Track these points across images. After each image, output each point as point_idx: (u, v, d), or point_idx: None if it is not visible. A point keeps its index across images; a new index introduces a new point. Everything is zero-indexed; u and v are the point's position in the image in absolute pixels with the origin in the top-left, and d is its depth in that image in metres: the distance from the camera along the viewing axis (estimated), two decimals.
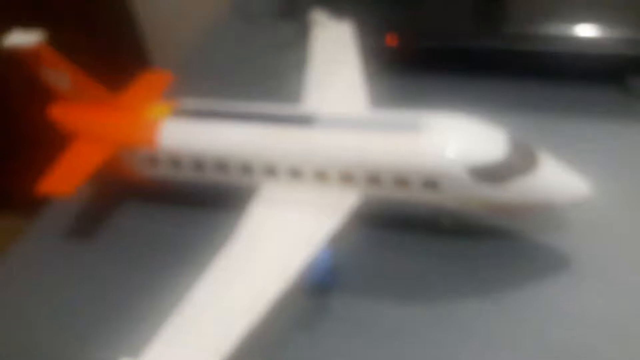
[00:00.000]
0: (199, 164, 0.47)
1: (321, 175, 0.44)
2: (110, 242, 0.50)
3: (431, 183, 0.41)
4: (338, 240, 0.43)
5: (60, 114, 0.51)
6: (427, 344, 0.39)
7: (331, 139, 0.44)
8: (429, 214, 0.45)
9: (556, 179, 0.41)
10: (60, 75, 0.49)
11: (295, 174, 0.45)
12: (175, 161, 0.47)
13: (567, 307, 0.40)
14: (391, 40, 0.62)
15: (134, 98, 0.52)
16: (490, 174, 0.40)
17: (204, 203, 0.51)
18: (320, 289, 0.42)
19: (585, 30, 0.57)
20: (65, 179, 0.47)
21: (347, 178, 0.44)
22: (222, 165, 0.46)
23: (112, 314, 0.44)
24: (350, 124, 0.44)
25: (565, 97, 0.59)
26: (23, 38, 0.46)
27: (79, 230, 0.51)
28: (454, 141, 0.41)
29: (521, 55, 0.59)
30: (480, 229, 0.46)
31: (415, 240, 0.46)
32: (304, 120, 0.45)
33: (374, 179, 0.43)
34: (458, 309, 0.41)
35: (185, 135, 0.47)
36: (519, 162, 0.40)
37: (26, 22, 0.48)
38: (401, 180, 0.42)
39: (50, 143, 0.49)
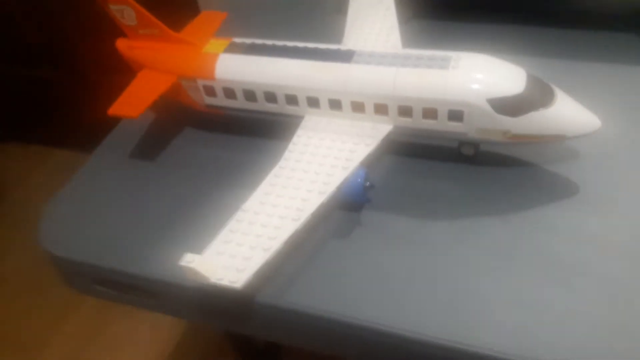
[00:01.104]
0: (250, 94, 0.53)
1: (358, 107, 0.50)
2: (172, 163, 0.57)
3: (456, 114, 0.47)
4: (371, 164, 0.49)
5: (128, 47, 0.57)
6: (444, 253, 0.46)
7: (367, 73, 0.49)
8: (453, 143, 0.51)
9: (570, 114, 0.45)
10: (126, 11, 0.55)
11: (335, 105, 0.51)
12: (230, 91, 0.54)
13: (569, 227, 0.46)
14: None
15: (193, 34, 0.58)
16: (509, 106, 0.45)
17: (256, 131, 0.58)
18: (354, 205, 0.49)
19: None
20: (133, 103, 0.54)
21: (381, 110, 0.49)
22: (270, 96, 0.52)
23: (177, 222, 0.51)
24: (385, 60, 0.49)
25: (585, 42, 0.62)
26: None
27: (143, 151, 0.59)
28: (477, 77, 0.46)
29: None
30: (497, 158, 0.52)
31: (439, 166, 0.52)
32: (344, 57, 0.50)
33: (405, 110, 0.48)
34: (472, 225, 0.47)
35: (239, 68, 0.53)
36: (537, 97, 0.45)
37: None
38: (429, 112, 0.48)
39: (118, 75, 0.56)
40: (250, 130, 0.58)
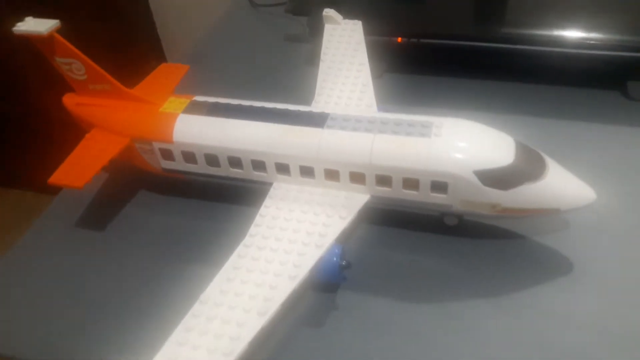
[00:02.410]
0: (212, 158, 0.48)
1: (331, 175, 0.45)
2: (122, 234, 0.51)
3: (439, 186, 0.43)
4: (347, 238, 0.44)
5: (76, 104, 0.52)
6: (428, 341, 0.41)
7: (342, 140, 0.45)
8: (434, 213, 0.47)
9: (563, 186, 0.42)
10: (74, 65, 0.49)
11: (307, 173, 0.46)
12: (190, 155, 0.48)
13: (564, 310, 0.42)
14: (401, 39, 0.62)
15: (150, 90, 0.53)
16: (498, 178, 0.41)
17: (218, 196, 0.52)
18: (329, 285, 0.44)
19: (586, 33, 0.58)
20: (78, 170, 0.48)
21: (357, 179, 0.45)
22: (235, 161, 0.47)
23: (122, 312, 0.44)
24: (361, 125, 0.45)
25: (568, 101, 0.60)
26: (35, 25, 0.46)
27: (91, 220, 0.52)
28: (462, 146, 0.42)
29: (522, 56, 0.60)
30: (483, 230, 0.48)
31: (420, 238, 0.48)
32: (316, 120, 0.46)
33: (384, 180, 0.44)
34: (459, 308, 0.43)
35: (200, 131, 0.48)
36: (527, 168, 0.42)
37: (44, 12, 0.48)
38: (410, 182, 0.43)
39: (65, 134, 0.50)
40: (213, 196, 0.52)
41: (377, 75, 0.59)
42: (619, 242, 0.46)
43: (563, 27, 0.58)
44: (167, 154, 0.49)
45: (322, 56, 0.59)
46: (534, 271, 0.45)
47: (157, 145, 0.49)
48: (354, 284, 0.44)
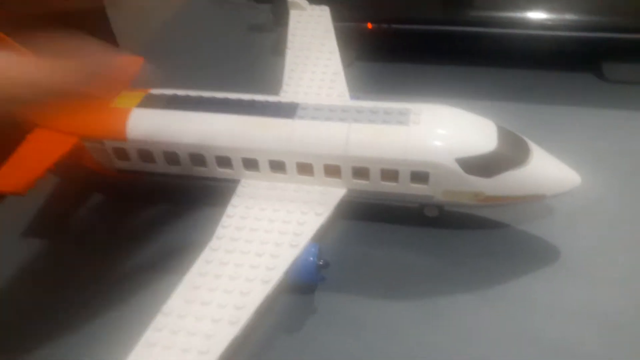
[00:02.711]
0: (172, 156, 0.44)
1: (305, 169, 0.42)
2: (74, 241, 0.46)
3: (420, 176, 0.40)
4: (323, 236, 0.41)
5: None
6: (412, 339, 0.38)
7: (315, 130, 0.41)
8: (414, 205, 0.44)
9: (548, 171, 0.40)
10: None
11: (277, 167, 0.42)
12: (146, 154, 0.44)
13: (552, 299, 0.40)
14: (372, 25, 0.60)
15: (100, 85, 0.48)
16: (481, 166, 0.39)
17: (180, 197, 0.48)
18: (306, 287, 0.41)
19: (559, 15, 0.56)
20: (20, 174, 0.42)
21: (332, 172, 0.42)
22: (197, 158, 0.44)
23: (77, 326, 0.40)
24: (334, 115, 0.42)
25: (544, 84, 0.59)
26: None
27: (38, 228, 0.47)
28: (443, 133, 0.40)
29: (495, 39, 0.58)
30: (465, 220, 0.45)
31: (399, 231, 0.45)
32: (286, 111, 0.43)
33: (361, 172, 0.41)
34: (443, 303, 0.40)
35: (156, 126, 0.44)
36: (511, 154, 0.39)
37: None
38: (389, 173, 0.40)
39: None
40: (174, 197, 0.48)
41: (347, 64, 0.55)
42: (604, 226, 0.45)
43: (536, 9, 0.57)
44: (122, 154, 0.45)
45: (289, 44, 0.55)
46: (520, 261, 0.43)
47: (109, 144, 0.44)
48: (332, 284, 0.41)
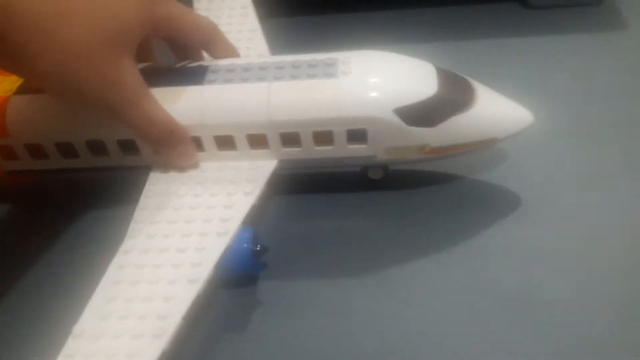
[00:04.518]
0: (66, 148, 0.37)
1: (224, 143, 0.36)
2: None
3: (357, 135, 0.35)
4: (257, 218, 0.36)
5: None
6: (367, 313, 0.34)
7: (230, 95, 0.35)
8: (356, 169, 0.40)
9: (497, 111, 0.36)
10: None
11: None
12: (36, 148, 0.37)
13: (513, 248, 0.36)
14: None
15: None
16: (422, 115, 0.34)
17: (82, 196, 0.42)
18: (245, 278, 0.35)
19: None
20: None
21: (257, 142, 0.36)
22: (96, 145, 0.37)
23: None
24: (251, 74, 0.36)
25: (470, 19, 0.55)
26: None
27: None
28: (377, 82, 0.35)
29: None
30: (413, 178, 0.41)
31: (342, 200, 0.41)
32: (193, 76, 0.36)
33: (290, 139, 0.36)
34: (396, 271, 0.36)
35: (43, 114, 0.36)
36: (454, 97, 0.35)
37: None
38: (323, 136, 0.35)
39: None
40: (76, 197, 0.42)
41: (264, 18, 0.49)
42: (559, 165, 0.41)
43: None
44: (7, 152, 0.37)
45: (196, 3, 0.48)
46: (477, 213, 0.39)
47: None
48: (275, 269, 0.36)
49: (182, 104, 0.35)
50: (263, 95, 0.35)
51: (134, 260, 0.32)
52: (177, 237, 0.33)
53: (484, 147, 0.37)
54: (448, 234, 0.38)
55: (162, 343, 0.28)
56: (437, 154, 0.37)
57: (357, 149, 0.36)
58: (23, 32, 0.29)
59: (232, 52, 0.38)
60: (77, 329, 0.29)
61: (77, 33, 0.30)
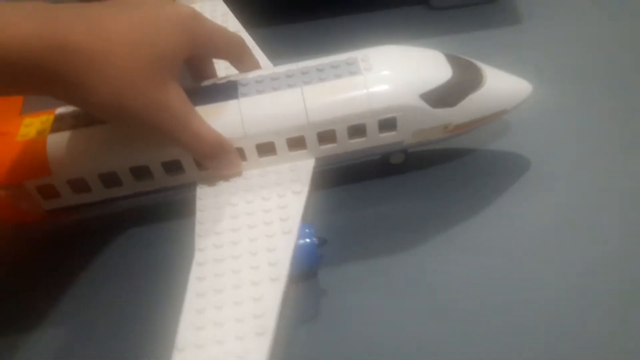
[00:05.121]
0: (110, 178, 0.38)
1: (266, 150, 0.38)
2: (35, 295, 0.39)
3: (388, 123, 0.38)
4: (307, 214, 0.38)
5: None
6: (430, 286, 0.38)
7: (268, 104, 0.37)
8: (377, 157, 0.43)
9: (503, 85, 0.40)
10: None
11: None
12: (79, 183, 0.38)
13: (534, 213, 0.40)
14: None
15: None
16: (444, 97, 0.38)
17: (129, 222, 0.42)
18: (309, 272, 0.38)
19: None
20: None
21: (296, 144, 0.38)
22: (140, 170, 0.38)
23: None
24: (281, 83, 0.38)
25: (380, 24, 0.57)
26: None
27: None
28: (400, 73, 0.38)
29: None
30: (431, 159, 0.45)
31: (371, 187, 0.44)
32: (226, 91, 0.38)
33: (327, 136, 0.38)
34: (438, 242, 0.40)
35: (83, 147, 0.37)
36: (467, 78, 0.39)
37: None
38: (356, 129, 0.38)
39: None
40: (123, 224, 0.42)
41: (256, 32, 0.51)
42: (557, 135, 0.45)
43: None
44: (49, 191, 0.38)
45: None
46: (496, 181, 0.43)
47: (32, 184, 0.37)
48: (329, 260, 0.39)
49: (223, 118, 0.37)
50: (298, 99, 0.37)
51: (212, 270, 0.33)
52: (245, 243, 0.35)
53: (496, 119, 0.41)
54: (476, 203, 0.42)
55: (267, 339, 0.30)
56: (457, 131, 0.40)
57: (387, 137, 0.39)
58: (78, 70, 0.30)
59: (256, 65, 0.40)
60: (179, 342, 0.30)
61: (122, 65, 0.32)
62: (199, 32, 0.35)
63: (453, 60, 0.39)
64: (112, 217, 0.42)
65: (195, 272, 0.33)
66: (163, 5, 0.34)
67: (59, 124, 0.38)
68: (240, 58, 0.39)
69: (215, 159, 0.37)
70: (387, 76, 0.38)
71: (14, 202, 0.38)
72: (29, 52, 0.29)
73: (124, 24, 0.32)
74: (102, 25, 0.31)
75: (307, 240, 0.36)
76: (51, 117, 0.38)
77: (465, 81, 0.39)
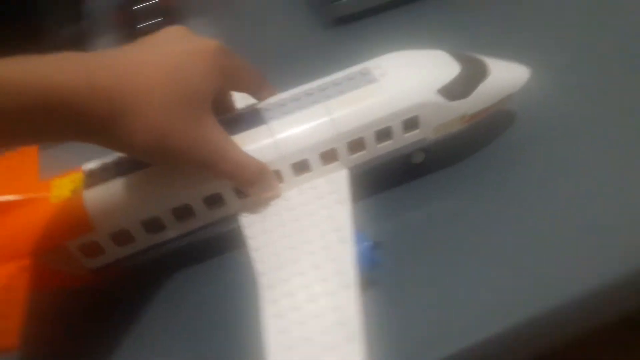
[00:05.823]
0: (153, 223, 0.37)
1: (301, 168, 0.39)
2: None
3: (411, 122, 0.40)
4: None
5: None
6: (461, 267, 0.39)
7: (297, 124, 0.38)
8: (400, 159, 0.44)
9: (505, 71, 0.43)
10: None
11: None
12: (122, 235, 0.37)
13: (557, 199, 0.42)
14: None
15: (8, 187, 0.38)
16: (458, 90, 0.40)
17: (176, 266, 0.42)
18: (367, 278, 0.38)
19: None
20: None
21: (329, 157, 0.39)
22: (182, 211, 0.38)
23: None
24: (303, 102, 0.39)
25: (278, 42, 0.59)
26: None
27: None
28: (414, 73, 0.40)
29: None
30: (448, 153, 0.46)
31: (398, 190, 0.45)
32: (253, 118, 0.39)
33: (356, 145, 0.39)
34: (477, 234, 0.41)
35: (122, 198, 0.37)
36: (474, 69, 0.41)
37: None
38: (383, 133, 0.40)
39: None
40: (170, 269, 0.42)
41: None
42: (564, 122, 0.47)
43: None
44: (92, 249, 0.37)
45: None
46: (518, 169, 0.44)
47: (74, 244, 0.36)
48: (385, 265, 0.39)
49: (256, 144, 0.38)
50: (323, 114, 0.38)
51: (282, 290, 0.33)
52: (305, 258, 0.35)
53: (504, 104, 0.44)
54: (501, 193, 0.43)
55: (360, 343, 0.30)
56: (472, 121, 0.42)
57: (411, 136, 0.41)
58: (121, 114, 0.30)
59: (274, 93, 0.41)
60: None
61: (159, 107, 0.32)
62: (227, 65, 0.36)
63: (458, 55, 0.42)
64: (153, 265, 0.41)
65: (266, 296, 0.33)
66: (191, 40, 0.34)
67: (92, 179, 0.37)
68: (260, 89, 0.40)
69: (256, 184, 0.37)
70: (403, 78, 0.39)
71: (56, 266, 0.36)
72: (77, 98, 0.29)
73: (158, 64, 0.32)
74: (138, 67, 0.32)
75: (365, 243, 0.36)
76: (80, 174, 0.38)
77: (473, 73, 0.41)
